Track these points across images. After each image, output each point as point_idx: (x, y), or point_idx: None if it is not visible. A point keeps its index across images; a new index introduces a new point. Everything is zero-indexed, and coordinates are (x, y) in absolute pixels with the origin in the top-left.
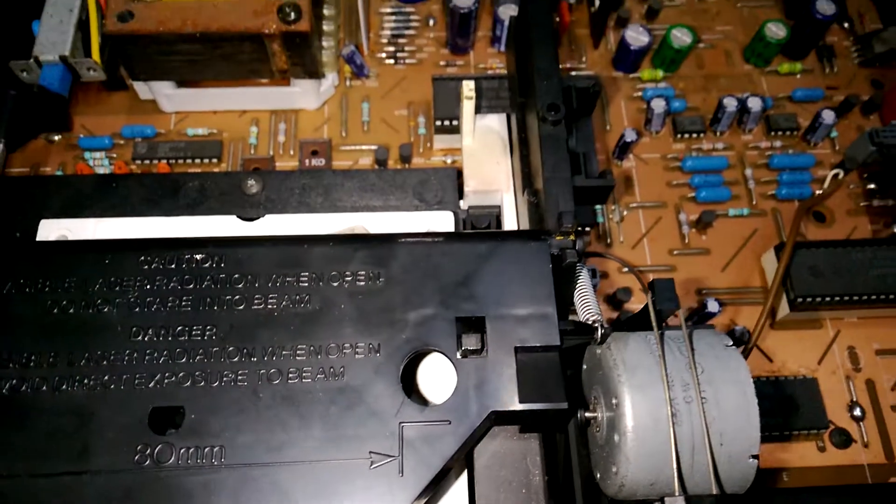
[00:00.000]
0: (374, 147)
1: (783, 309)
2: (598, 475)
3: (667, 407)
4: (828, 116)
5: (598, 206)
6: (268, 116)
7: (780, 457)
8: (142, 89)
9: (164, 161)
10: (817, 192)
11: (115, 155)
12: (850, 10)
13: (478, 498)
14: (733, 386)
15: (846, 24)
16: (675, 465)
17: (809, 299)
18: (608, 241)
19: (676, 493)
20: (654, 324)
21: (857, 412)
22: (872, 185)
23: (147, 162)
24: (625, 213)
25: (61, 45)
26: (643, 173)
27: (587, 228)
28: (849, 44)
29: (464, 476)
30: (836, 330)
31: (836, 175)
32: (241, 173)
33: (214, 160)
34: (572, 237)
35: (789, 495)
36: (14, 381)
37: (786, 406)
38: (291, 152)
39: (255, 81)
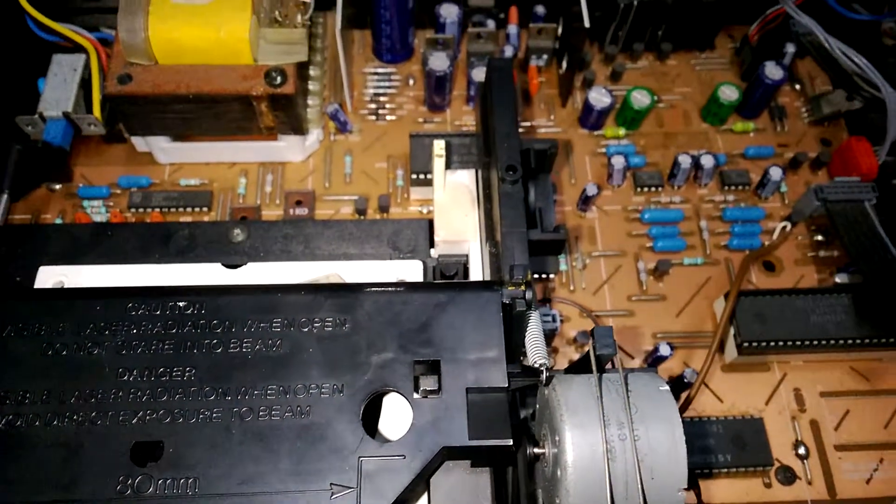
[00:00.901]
0: (354, 197)
1: (732, 353)
2: None
3: (603, 444)
4: (775, 173)
5: (561, 255)
6: (256, 168)
7: (728, 492)
8: (138, 142)
9: (158, 210)
10: (767, 243)
11: (111, 204)
12: (801, 72)
13: None
14: (664, 425)
15: (798, 86)
16: (609, 497)
17: (755, 344)
18: (571, 287)
19: None
20: (593, 368)
21: (802, 451)
22: (819, 238)
23: (142, 210)
24: (587, 261)
25: (65, 102)
26: (605, 224)
27: (551, 276)
28: (800, 104)
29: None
30: (783, 373)
31: (784, 227)
32: (229, 223)
33: (205, 209)
34: (523, 288)
35: None
36: (10, 417)
37: (734, 444)
38: (277, 202)
39: (244, 137)
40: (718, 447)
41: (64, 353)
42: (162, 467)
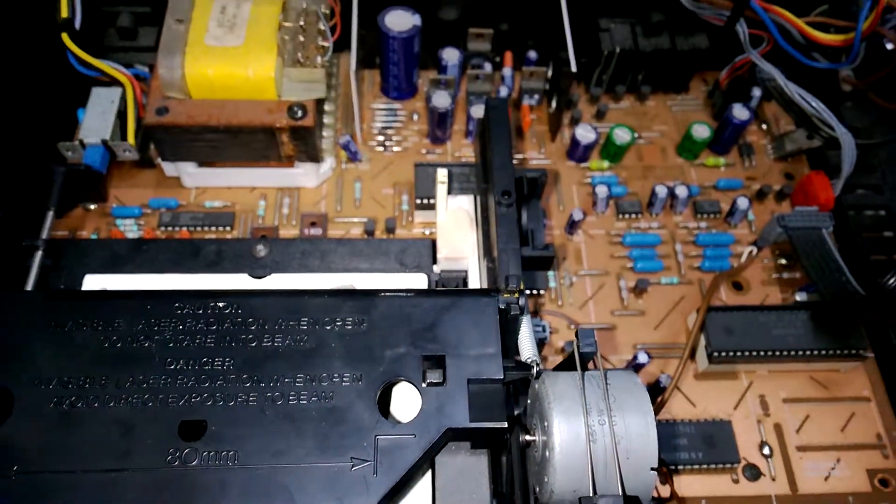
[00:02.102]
0: (364, 220)
1: (703, 362)
2: (537, 489)
3: (585, 429)
4: (742, 203)
5: (551, 273)
6: (274, 192)
7: (699, 487)
8: (168, 167)
9: (185, 228)
10: (735, 265)
11: (142, 222)
12: (767, 114)
13: (438, 497)
14: (638, 413)
15: (764, 126)
16: (590, 474)
17: (723, 353)
18: (560, 302)
19: (591, 495)
20: (577, 364)
21: (766, 451)
22: (783, 261)
23: (170, 228)
24: (574, 279)
25: (103, 131)
26: (590, 246)
27: (542, 292)
28: (766, 142)
29: (428, 482)
30: (749, 381)
31: (751, 252)
32: (252, 240)
33: (227, 228)
34: (517, 295)
35: None
36: (73, 398)
37: (705, 443)
38: (294, 223)
39: (265, 163)
40: (691, 446)
41: (119, 345)
42: (205, 442)
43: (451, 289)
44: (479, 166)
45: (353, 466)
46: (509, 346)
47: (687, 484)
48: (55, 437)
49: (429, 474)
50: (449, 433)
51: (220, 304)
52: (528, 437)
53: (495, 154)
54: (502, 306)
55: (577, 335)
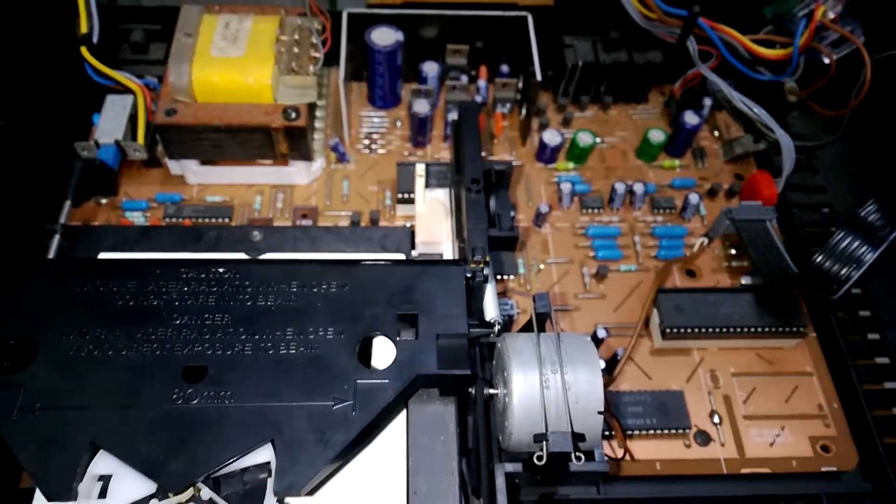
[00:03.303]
0: (350, 213)
1: (658, 339)
2: (500, 437)
3: (539, 377)
4: (693, 198)
5: (520, 260)
6: (269, 189)
7: (654, 451)
8: (173, 166)
9: (188, 219)
10: (688, 254)
11: (149, 214)
12: (719, 121)
13: (411, 439)
14: (587, 365)
15: (716, 132)
16: (544, 416)
17: (675, 329)
18: (528, 287)
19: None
20: (534, 323)
21: (716, 419)
22: (732, 251)
23: (175, 219)
24: (541, 266)
25: (116, 132)
26: (556, 238)
27: (511, 277)
28: (717, 147)
29: (403, 425)
30: (701, 357)
31: (702, 242)
32: (248, 227)
33: (226, 219)
34: (482, 265)
35: None
36: (90, 347)
37: (659, 411)
38: (286, 216)
39: (261, 162)
40: (646, 413)
41: (131, 303)
42: (205, 385)
43: (423, 259)
44: (453, 163)
45: (334, 405)
46: (474, 309)
47: (642, 448)
48: (74, 379)
49: (404, 418)
50: (420, 379)
51: (221, 270)
52: (491, 391)
53: (467, 148)
54: (469, 274)
55: (534, 298)
